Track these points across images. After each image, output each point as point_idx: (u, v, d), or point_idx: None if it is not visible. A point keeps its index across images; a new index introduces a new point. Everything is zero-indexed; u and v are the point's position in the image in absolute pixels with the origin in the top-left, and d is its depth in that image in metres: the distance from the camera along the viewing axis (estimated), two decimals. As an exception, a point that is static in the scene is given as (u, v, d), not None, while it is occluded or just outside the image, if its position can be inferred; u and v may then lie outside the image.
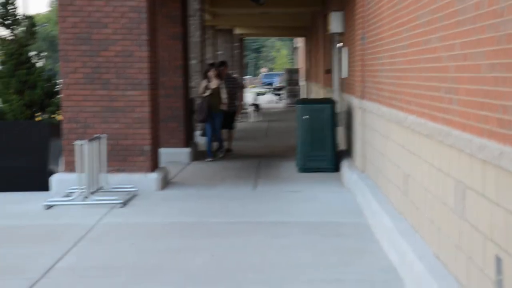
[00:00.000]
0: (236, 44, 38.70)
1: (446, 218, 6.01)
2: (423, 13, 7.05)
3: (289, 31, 41.23)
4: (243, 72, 44.91)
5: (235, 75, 16.77)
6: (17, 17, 12.42)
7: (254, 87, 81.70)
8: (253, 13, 29.71)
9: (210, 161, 15.65)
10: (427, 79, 6.87)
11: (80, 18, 11.56)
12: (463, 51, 5.51)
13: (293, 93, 38.81)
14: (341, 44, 16.51)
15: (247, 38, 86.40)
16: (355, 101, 12.59)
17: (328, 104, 13.95)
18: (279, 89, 46.63)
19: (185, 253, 7.67)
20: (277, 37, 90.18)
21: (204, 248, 7.82)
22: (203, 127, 16.96)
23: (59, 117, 11.31)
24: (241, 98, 18.51)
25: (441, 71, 6.27)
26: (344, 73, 15.24)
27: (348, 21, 14.60)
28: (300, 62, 50.06)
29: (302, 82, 41.34)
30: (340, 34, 16.06)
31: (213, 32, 30.81)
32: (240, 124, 25.09)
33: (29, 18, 12.59)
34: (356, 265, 7.22)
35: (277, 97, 45.08)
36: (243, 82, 27.90)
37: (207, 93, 15.95)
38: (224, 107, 16.28)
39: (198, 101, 16.40)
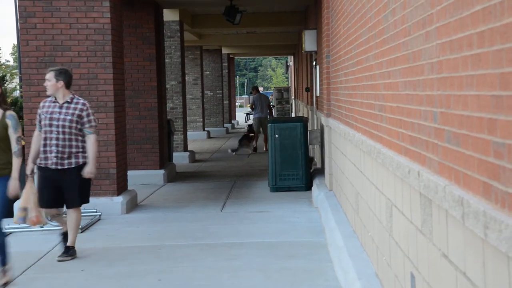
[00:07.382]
0: (225, 64, 38.67)
1: (382, 236, 5.94)
2: (364, 31, 7.01)
3: (278, 50, 41.17)
4: (234, 92, 44.87)
5: (80, 99, 8.73)
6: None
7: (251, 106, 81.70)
8: (240, 32, 29.66)
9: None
10: (367, 97, 6.82)
11: (43, 41, 11.50)
12: (387, 69, 5.46)
13: (283, 112, 38.74)
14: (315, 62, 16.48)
15: (243, 58, 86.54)
16: (323, 119, 12.53)
17: (299, 123, 13.86)
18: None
19: (132, 278, 7.56)
20: (273, 56, 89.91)
21: (153, 273, 7.71)
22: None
23: (23, 142, 11.18)
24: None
25: (375, 89, 6.22)
26: (318, 91, 15.19)
27: (319, 40, 14.56)
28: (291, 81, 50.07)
29: (292, 101, 41.30)
30: (316, 52, 16.03)
31: (200, 52, 30.77)
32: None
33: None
34: (304, 287, 7.12)
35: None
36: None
37: None
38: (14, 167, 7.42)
39: None
